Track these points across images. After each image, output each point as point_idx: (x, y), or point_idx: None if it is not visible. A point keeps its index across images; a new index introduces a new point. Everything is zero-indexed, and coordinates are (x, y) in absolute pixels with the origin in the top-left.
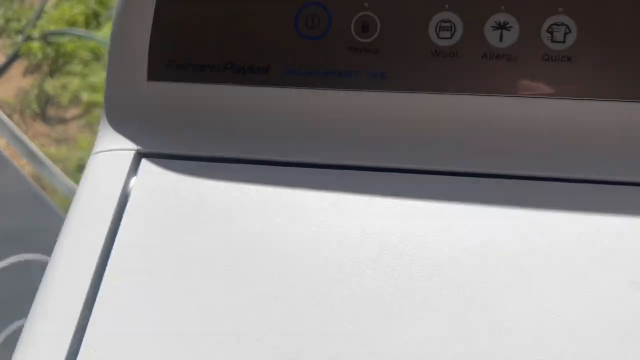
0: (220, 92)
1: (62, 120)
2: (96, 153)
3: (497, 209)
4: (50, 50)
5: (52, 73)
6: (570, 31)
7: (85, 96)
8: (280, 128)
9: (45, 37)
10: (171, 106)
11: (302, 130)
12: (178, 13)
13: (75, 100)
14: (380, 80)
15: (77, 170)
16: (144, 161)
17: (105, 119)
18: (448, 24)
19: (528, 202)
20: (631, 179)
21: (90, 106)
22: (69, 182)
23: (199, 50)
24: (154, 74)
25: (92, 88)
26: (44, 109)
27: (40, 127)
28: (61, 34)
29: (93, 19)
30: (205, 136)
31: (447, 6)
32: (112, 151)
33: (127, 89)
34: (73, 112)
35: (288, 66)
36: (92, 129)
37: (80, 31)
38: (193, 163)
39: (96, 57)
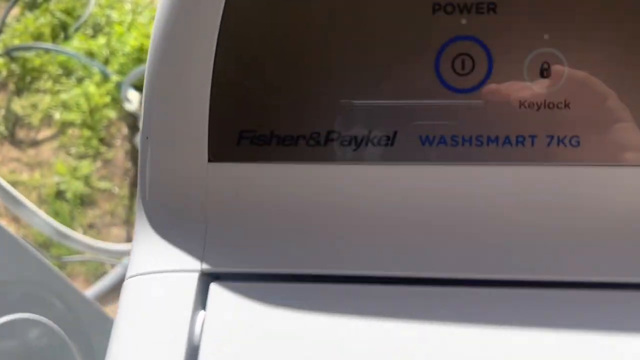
0: (319, 174)
1: (34, 143)
2: (137, 276)
3: None
4: (15, 67)
5: (19, 91)
6: None
7: (57, 115)
8: (411, 227)
9: (9, 53)
10: (245, 198)
11: (447, 229)
12: (253, 58)
13: (46, 119)
14: (571, 150)
15: (55, 198)
16: (213, 287)
17: (147, 222)
18: None
19: None
20: None
21: (64, 126)
22: (44, 215)
23: (286, 114)
24: (218, 153)
25: (65, 106)
26: (12, 132)
27: (9, 151)
28: (27, 48)
29: (60, 31)
30: (301, 244)
31: None
32: (162, 273)
33: (179, 177)
34: (45, 133)
35: (426, 133)
36: (67, 151)
37: (48, 45)
38: (286, 287)
39: (67, 71)
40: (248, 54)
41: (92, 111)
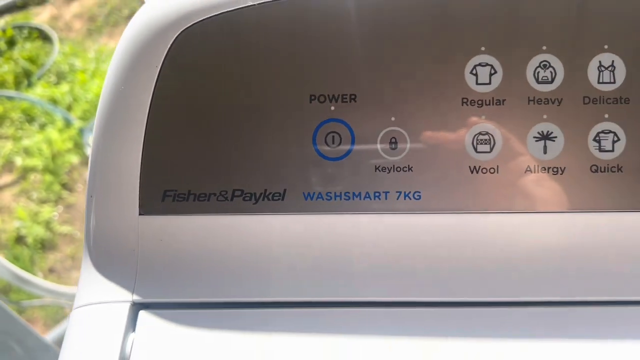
0: (227, 223)
1: None
2: (81, 307)
3: (554, 338)
4: None
5: None
6: (618, 139)
7: (19, 161)
8: (298, 262)
9: None
10: (169, 244)
11: (324, 264)
12: (174, 135)
13: (8, 165)
14: (414, 202)
15: (15, 243)
16: (142, 314)
17: (90, 263)
18: (487, 137)
19: (594, 329)
20: None
21: (25, 171)
22: (3, 260)
23: (200, 177)
24: (147, 207)
25: (27, 152)
26: None
27: None
28: None
29: (24, 78)
30: (213, 278)
31: (484, 117)
32: (101, 304)
33: (115, 226)
34: (6, 178)
35: (307, 190)
36: (28, 196)
37: (11, 92)
38: (201, 313)
39: (29, 118)
40: (170, 134)
41: (54, 156)
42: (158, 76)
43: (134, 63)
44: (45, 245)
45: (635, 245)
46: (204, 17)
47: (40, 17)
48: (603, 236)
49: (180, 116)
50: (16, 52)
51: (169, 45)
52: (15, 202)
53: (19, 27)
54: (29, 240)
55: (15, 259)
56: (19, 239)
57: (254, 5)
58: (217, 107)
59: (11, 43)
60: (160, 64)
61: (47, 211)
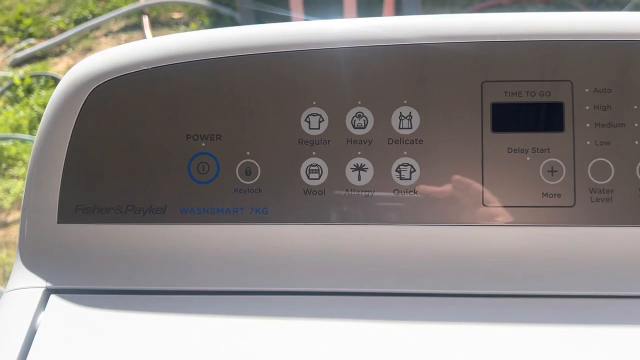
0: (122, 231)
1: (3, 225)
2: (8, 291)
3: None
4: None
5: None
6: (414, 170)
7: None
8: (176, 260)
9: None
10: (79, 245)
11: (195, 261)
12: (86, 164)
13: (17, 203)
14: (262, 216)
15: None
16: (52, 297)
17: (19, 258)
18: (316, 167)
19: (375, 315)
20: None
21: None
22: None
23: (103, 195)
24: (63, 217)
25: None
26: None
27: None
28: (5, 139)
29: (38, 122)
30: (111, 271)
31: (314, 153)
32: (23, 289)
33: (39, 231)
34: (15, 215)
35: (183, 206)
36: None
37: (24, 135)
38: (99, 297)
39: None
40: (83, 163)
41: None
42: (76, 120)
43: (60, 109)
44: None
45: (427, 252)
46: (111, 77)
47: (57, 67)
48: (406, 245)
49: (91, 150)
50: (32, 99)
51: (85, 97)
52: None
53: (37, 76)
54: None
55: None
56: None
57: (148, 69)
58: (118, 143)
59: (29, 91)
60: (79, 111)
61: None
